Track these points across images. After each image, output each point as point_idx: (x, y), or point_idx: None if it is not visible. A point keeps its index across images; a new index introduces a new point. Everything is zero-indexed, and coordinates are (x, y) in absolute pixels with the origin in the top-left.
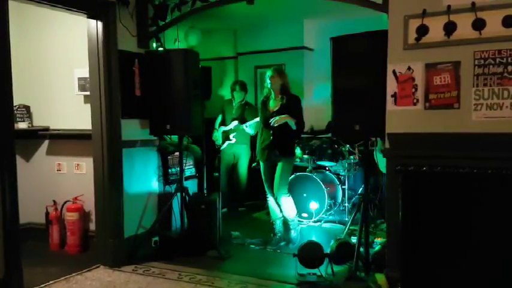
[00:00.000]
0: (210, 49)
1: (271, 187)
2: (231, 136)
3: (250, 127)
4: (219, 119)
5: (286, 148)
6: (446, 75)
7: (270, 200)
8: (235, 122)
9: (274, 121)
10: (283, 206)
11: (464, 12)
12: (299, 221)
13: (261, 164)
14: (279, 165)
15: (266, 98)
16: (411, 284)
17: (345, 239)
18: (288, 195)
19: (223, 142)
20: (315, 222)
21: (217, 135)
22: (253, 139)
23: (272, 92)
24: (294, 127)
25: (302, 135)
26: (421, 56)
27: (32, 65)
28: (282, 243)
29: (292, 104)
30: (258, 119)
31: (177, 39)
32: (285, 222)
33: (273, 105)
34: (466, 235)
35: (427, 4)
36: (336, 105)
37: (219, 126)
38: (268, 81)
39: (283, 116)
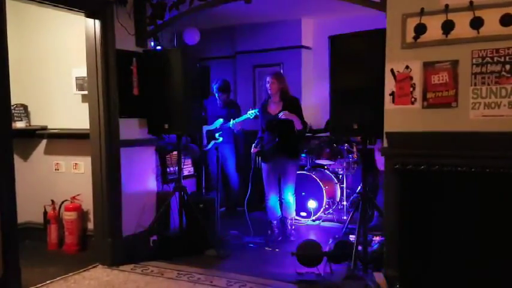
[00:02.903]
0: (208, 48)
1: (273, 188)
2: (217, 135)
3: (236, 121)
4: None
5: (293, 150)
6: (444, 74)
7: (270, 201)
8: (220, 120)
9: (283, 114)
10: (287, 205)
11: (462, 11)
12: (296, 219)
13: (264, 165)
14: (287, 167)
15: (266, 102)
16: (409, 283)
17: (344, 237)
18: (293, 195)
19: (208, 142)
20: (313, 221)
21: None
22: (237, 139)
23: (272, 96)
24: (299, 126)
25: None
26: (419, 54)
27: (29, 64)
28: (279, 238)
29: (293, 107)
30: (246, 115)
31: (174, 38)
32: (282, 221)
33: (274, 108)
34: (464, 234)
35: (425, 3)
36: (334, 104)
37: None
38: (267, 86)
39: (289, 113)
